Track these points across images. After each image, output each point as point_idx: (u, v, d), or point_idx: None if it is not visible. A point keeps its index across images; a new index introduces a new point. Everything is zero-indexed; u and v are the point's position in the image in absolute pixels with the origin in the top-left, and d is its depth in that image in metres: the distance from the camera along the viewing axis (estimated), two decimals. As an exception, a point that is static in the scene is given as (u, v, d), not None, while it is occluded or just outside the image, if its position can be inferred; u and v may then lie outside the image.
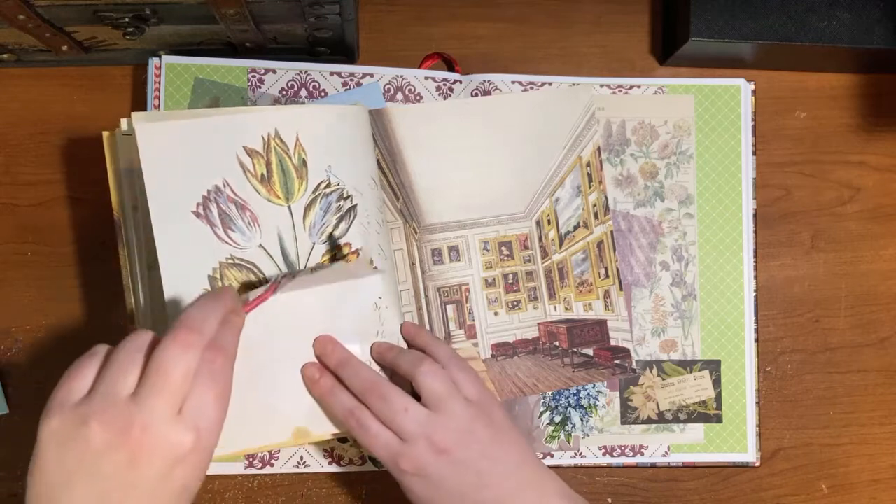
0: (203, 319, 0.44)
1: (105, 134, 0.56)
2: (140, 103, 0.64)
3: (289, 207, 0.54)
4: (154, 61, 0.62)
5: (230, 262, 0.53)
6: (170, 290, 0.52)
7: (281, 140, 0.54)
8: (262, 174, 0.54)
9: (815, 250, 0.67)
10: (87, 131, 0.65)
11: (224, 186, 0.53)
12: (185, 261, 0.52)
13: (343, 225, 0.56)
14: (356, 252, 0.55)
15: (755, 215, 0.66)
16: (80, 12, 0.55)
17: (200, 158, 0.53)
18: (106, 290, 0.64)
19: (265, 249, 0.54)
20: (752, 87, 0.66)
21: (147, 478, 0.41)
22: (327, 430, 0.54)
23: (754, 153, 0.66)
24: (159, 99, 0.62)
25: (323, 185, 0.55)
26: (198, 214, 0.53)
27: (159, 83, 0.62)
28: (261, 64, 0.63)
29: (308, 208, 0.55)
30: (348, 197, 0.55)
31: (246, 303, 0.50)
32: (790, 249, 0.67)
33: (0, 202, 0.64)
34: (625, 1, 0.68)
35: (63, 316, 0.63)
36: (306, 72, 0.63)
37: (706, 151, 0.66)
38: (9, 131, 0.64)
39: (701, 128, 0.66)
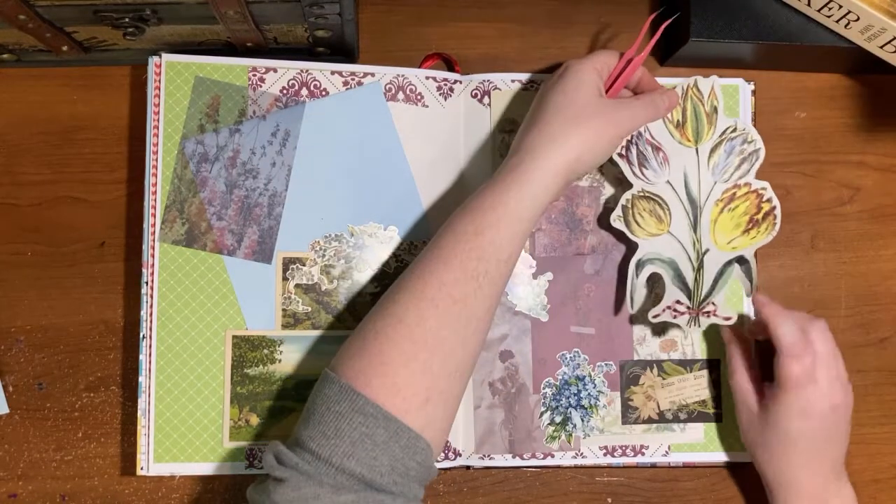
0: None
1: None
2: (140, 103, 0.64)
3: (696, 149, 0.62)
4: (154, 59, 0.62)
5: (640, 194, 0.62)
6: None
7: (698, 90, 0.62)
8: (678, 120, 0.62)
9: (815, 250, 0.68)
10: (87, 131, 0.65)
11: (644, 131, 0.62)
12: None
13: (745, 166, 0.62)
14: (755, 192, 0.62)
15: (755, 215, 0.66)
16: (80, 12, 0.55)
17: None
18: (106, 290, 0.64)
19: (671, 185, 0.62)
20: (752, 87, 0.66)
21: None
22: None
23: (754, 153, 0.66)
24: (159, 97, 0.61)
25: (729, 130, 0.62)
26: (620, 155, 0.61)
27: (159, 81, 0.62)
28: (261, 62, 0.63)
29: (713, 150, 0.62)
30: (752, 141, 0.62)
31: None
32: (790, 249, 0.67)
33: (0, 202, 0.64)
34: (625, 1, 0.68)
35: (63, 316, 0.63)
36: (307, 71, 0.63)
37: (706, 151, 0.66)
38: (9, 131, 0.64)
39: (701, 128, 0.66)
